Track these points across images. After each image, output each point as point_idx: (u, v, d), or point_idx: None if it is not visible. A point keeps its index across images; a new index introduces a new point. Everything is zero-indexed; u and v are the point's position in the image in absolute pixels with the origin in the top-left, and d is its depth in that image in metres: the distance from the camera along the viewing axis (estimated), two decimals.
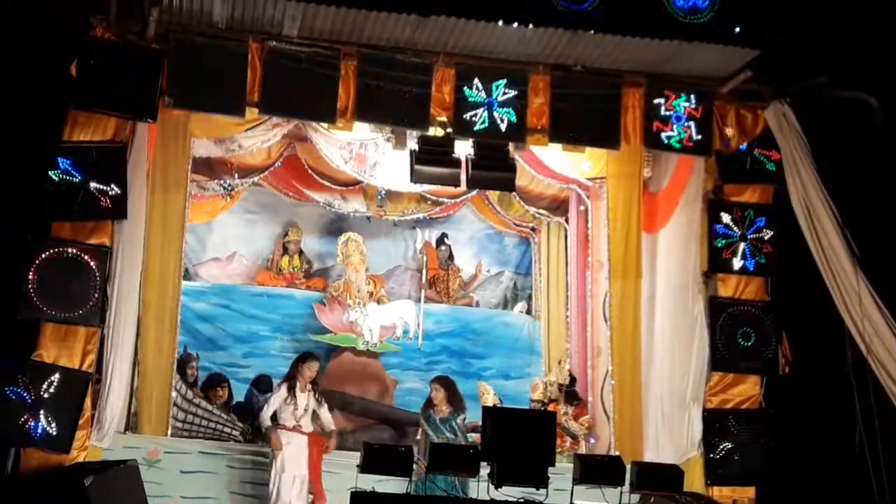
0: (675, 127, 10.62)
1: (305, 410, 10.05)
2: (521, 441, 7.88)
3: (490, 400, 11.68)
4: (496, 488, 7.89)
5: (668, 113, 10.62)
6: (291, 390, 10.05)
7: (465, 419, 10.24)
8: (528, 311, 13.80)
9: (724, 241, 10.81)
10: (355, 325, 12.58)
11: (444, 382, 10.52)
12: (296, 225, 13.37)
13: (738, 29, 10.08)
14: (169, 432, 10.42)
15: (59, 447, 9.28)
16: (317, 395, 10.18)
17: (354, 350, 12.59)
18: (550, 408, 11.73)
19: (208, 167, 12.13)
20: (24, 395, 9.26)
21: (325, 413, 10.24)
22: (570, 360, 12.79)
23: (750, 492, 10.41)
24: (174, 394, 10.57)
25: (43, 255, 9.50)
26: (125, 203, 9.69)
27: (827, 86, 10.51)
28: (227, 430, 10.78)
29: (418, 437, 10.19)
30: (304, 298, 12.99)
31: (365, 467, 7.90)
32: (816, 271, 10.27)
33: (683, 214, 11.21)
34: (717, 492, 10.39)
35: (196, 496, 10.00)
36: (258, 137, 11.35)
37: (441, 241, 13.82)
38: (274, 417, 10.03)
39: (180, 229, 10.71)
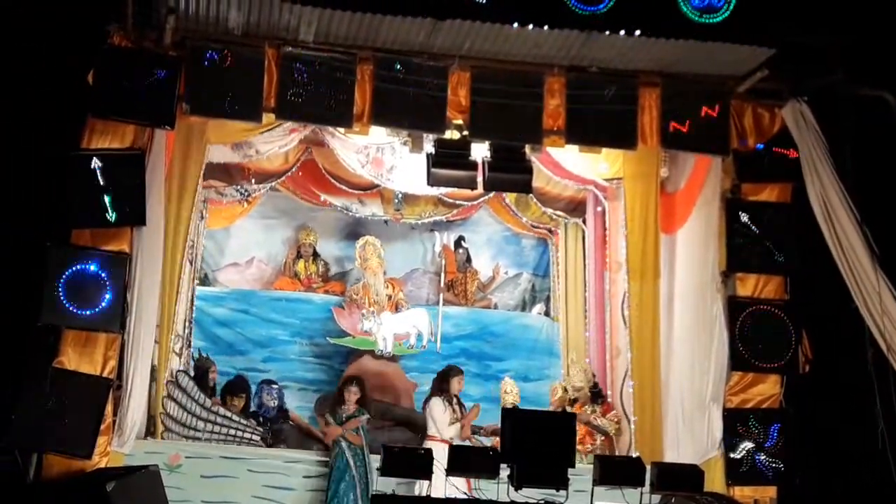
0: (691, 126, 10.59)
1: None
2: (541, 443, 7.89)
3: (510, 400, 11.70)
4: (516, 490, 7.88)
5: (684, 112, 10.57)
6: (449, 403, 10.46)
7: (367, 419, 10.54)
8: (547, 313, 13.79)
9: (742, 241, 10.74)
10: (370, 333, 12.59)
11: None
12: (307, 228, 13.39)
13: (753, 28, 10.04)
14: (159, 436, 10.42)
15: (80, 453, 9.31)
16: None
17: (373, 354, 12.60)
18: (576, 409, 11.72)
19: (226, 173, 12.19)
20: (46, 401, 9.29)
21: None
22: (589, 361, 12.77)
23: (771, 491, 10.36)
24: (189, 402, 10.61)
25: (63, 262, 9.55)
26: (144, 210, 9.74)
27: (844, 83, 10.45)
28: (246, 435, 10.79)
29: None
30: (323, 302, 13.01)
31: (385, 470, 7.91)
32: (836, 269, 10.22)
33: (701, 214, 11.18)
34: (738, 492, 10.33)
35: (217, 500, 10.02)
36: (275, 142, 11.41)
37: (458, 243, 13.83)
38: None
39: (185, 235, 10.77)
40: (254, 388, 11.53)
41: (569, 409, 11.78)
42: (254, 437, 10.78)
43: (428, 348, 12.84)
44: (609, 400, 12.09)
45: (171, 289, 10.60)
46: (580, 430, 11.46)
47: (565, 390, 12.16)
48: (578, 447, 11.22)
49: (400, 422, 12.28)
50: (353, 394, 10.43)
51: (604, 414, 11.74)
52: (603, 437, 11.75)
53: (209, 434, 10.70)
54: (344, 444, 10.14)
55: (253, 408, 11.35)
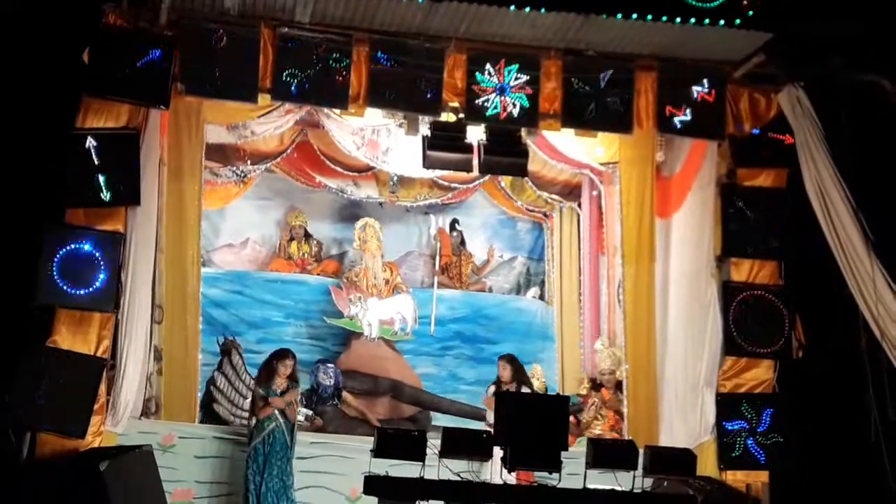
0: (687, 111, 10.57)
1: None
2: (535, 425, 7.90)
3: (537, 385, 11.72)
4: (509, 472, 7.91)
5: (680, 97, 10.56)
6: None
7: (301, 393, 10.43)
8: (542, 297, 13.80)
9: (737, 226, 10.74)
10: (355, 319, 12.60)
11: (511, 360, 10.69)
12: (296, 209, 13.38)
13: (750, 12, 10.03)
14: (196, 420, 10.51)
15: (73, 433, 9.31)
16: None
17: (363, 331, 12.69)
18: (603, 393, 11.75)
19: (221, 154, 12.16)
20: (40, 380, 9.28)
21: None
22: (582, 344, 12.79)
23: (763, 476, 10.38)
24: (240, 384, 10.60)
25: (57, 242, 9.53)
26: (138, 190, 9.71)
27: (841, 69, 10.44)
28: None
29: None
30: (318, 284, 13.01)
31: (378, 452, 7.92)
32: (830, 255, 10.23)
33: (697, 199, 11.18)
34: (730, 476, 10.38)
35: (210, 481, 10.03)
36: (271, 124, 11.38)
37: (453, 226, 13.84)
38: None
39: (196, 216, 10.79)
40: (251, 370, 11.52)
41: (595, 395, 11.80)
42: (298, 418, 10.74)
43: (412, 336, 12.87)
44: None
45: (190, 268, 10.61)
46: (609, 417, 11.55)
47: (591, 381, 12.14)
48: (612, 434, 11.40)
49: (409, 402, 12.40)
50: (287, 367, 10.07)
51: None
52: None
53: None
54: (281, 418, 9.89)
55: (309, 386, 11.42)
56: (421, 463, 7.94)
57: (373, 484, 7.75)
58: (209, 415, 11.19)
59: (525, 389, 10.51)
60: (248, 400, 10.70)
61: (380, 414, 12.32)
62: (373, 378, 12.53)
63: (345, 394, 11.84)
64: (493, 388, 10.64)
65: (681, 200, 11.45)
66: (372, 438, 8.39)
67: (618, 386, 11.82)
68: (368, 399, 12.36)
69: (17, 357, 9.46)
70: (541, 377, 12.04)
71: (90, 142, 9.64)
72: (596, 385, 12.02)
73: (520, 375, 10.64)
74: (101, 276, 9.55)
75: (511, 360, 10.76)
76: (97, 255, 9.58)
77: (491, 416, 10.35)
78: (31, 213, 9.92)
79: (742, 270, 10.81)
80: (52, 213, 9.72)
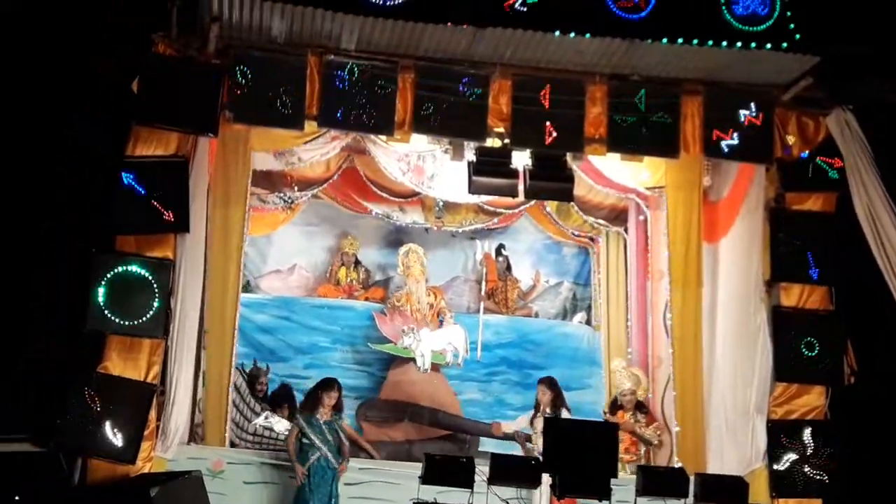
0: (734, 135, 10.51)
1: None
2: (584, 452, 7.84)
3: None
4: (558, 499, 7.85)
5: (727, 121, 10.51)
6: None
7: (345, 422, 10.31)
8: (588, 322, 13.73)
9: (786, 250, 10.64)
10: (410, 350, 12.61)
11: (551, 384, 10.63)
12: (349, 236, 13.44)
13: (798, 35, 9.98)
14: (227, 443, 10.53)
15: (124, 458, 9.40)
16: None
17: (416, 360, 12.67)
18: (619, 416, 11.66)
19: (268, 180, 12.25)
20: (91, 406, 9.38)
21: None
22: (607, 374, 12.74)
23: None
24: (244, 407, 10.67)
25: (108, 269, 9.64)
26: (187, 217, 9.81)
27: (889, 92, 10.36)
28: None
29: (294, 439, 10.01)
30: (365, 309, 13.05)
31: (427, 478, 7.90)
32: (881, 279, 10.11)
33: (745, 223, 11.10)
34: None
35: None
36: (317, 150, 11.46)
37: (499, 251, 13.81)
38: None
39: (239, 242, 10.83)
40: (298, 396, 11.57)
41: (610, 417, 11.71)
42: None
43: (463, 366, 12.84)
44: (651, 410, 11.99)
45: (230, 293, 10.66)
46: (625, 439, 11.43)
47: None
48: (623, 456, 11.21)
49: (449, 429, 12.27)
50: (332, 398, 10.03)
51: (647, 424, 11.64)
52: (646, 448, 11.65)
53: (256, 437, 10.81)
54: (324, 447, 9.84)
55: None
56: (469, 490, 7.89)
57: None
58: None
59: (564, 413, 10.42)
60: (253, 421, 10.94)
61: (397, 438, 12.29)
62: (397, 403, 12.54)
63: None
64: (530, 414, 10.62)
65: (728, 225, 11.37)
66: (419, 464, 8.38)
67: (637, 406, 11.74)
68: (386, 426, 12.39)
69: (69, 383, 9.56)
70: None
71: (140, 169, 9.74)
72: (612, 408, 11.90)
73: (559, 400, 10.56)
74: (152, 302, 9.64)
75: (551, 383, 10.69)
76: (147, 281, 9.66)
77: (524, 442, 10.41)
78: (83, 240, 10.04)
79: (792, 295, 10.69)
80: (104, 241, 9.82)
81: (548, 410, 10.40)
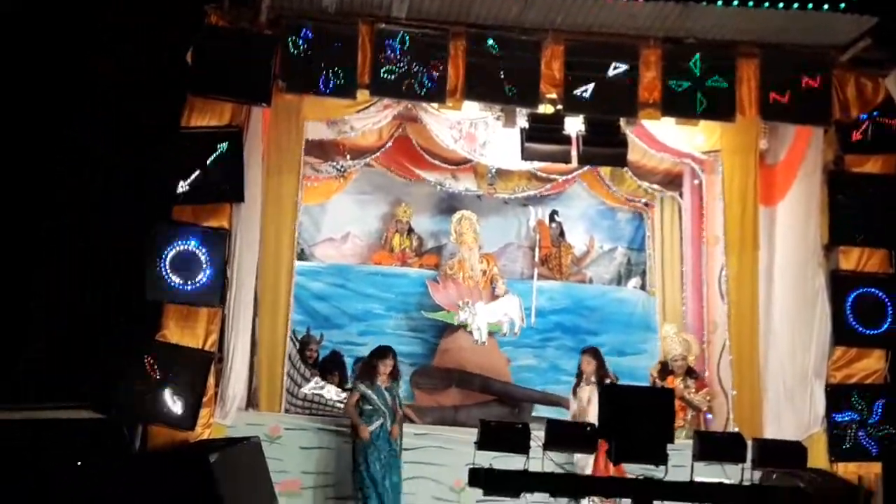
0: (791, 97, 10.36)
1: (588, 402, 10.28)
2: (640, 418, 7.81)
3: None
4: (614, 465, 7.85)
5: (784, 83, 10.37)
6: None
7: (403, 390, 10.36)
8: (643, 287, 13.66)
9: (845, 213, 10.50)
10: (465, 329, 12.62)
11: (596, 353, 10.59)
12: (403, 203, 13.47)
13: None
14: (282, 409, 10.65)
15: (184, 425, 9.56)
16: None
17: (472, 333, 12.69)
18: (668, 381, 11.61)
19: (321, 149, 12.28)
20: (150, 374, 9.54)
21: None
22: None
23: (876, 468, 10.09)
24: (294, 373, 10.78)
25: (165, 239, 9.75)
26: (242, 186, 9.88)
27: None
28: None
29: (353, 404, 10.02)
30: (418, 277, 13.09)
31: (482, 444, 7.91)
32: None
33: (802, 186, 10.97)
34: (841, 468, 10.17)
35: (316, 471, 10.16)
36: (369, 119, 11.47)
37: (552, 217, 13.78)
38: None
39: (293, 211, 10.91)
40: (349, 363, 11.66)
41: (659, 382, 11.66)
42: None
43: (519, 335, 12.83)
44: (704, 376, 11.91)
45: (285, 262, 10.75)
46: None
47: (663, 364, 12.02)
48: (677, 423, 11.18)
49: (499, 395, 12.32)
50: (387, 366, 10.06)
51: (697, 390, 11.58)
52: (694, 414, 11.59)
53: (310, 404, 10.94)
54: (386, 411, 9.90)
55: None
56: (525, 455, 7.91)
57: (477, 476, 7.74)
58: None
59: (608, 382, 10.38)
60: (303, 388, 11.04)
61: (445, 403, 12.35)
62: (447, 370, 12.58)
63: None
64: (575, 382, 10.59)
65: (786, 188, 11.24)
66: (471, 430, 8.40)
67: (687, 372, 11.66)
68: (435, 393, 12.44)
69: (128, 351, 9.71)
70: None
71: (195, 140, 9.81)
72: (661, 373, 11.83)
73: (602, 370, 10.50)
74: (208, 271, 9.76)
75: (595, 353, 10.64)
76: (204, 251, 9.78)
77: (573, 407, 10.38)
78: (140, 211, 10.17)
79: (851, 259, 10.57)
80: (160, 211, 9.93)
81: (592, 380, 10.39)
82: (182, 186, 9.74)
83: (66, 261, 10.84)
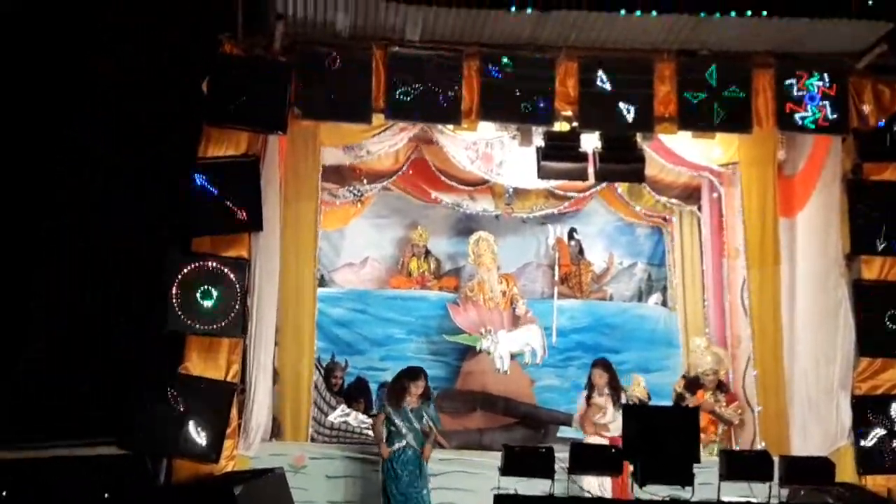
0: (808, 107, 10.34)
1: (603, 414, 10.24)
2: (665, 438, 7.75)
3: (638, 391, 11.59)
4: (640, 487, 7.77)
5: (800, 93, 10.34)
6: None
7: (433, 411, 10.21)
8: (664, 303, 13.59)
9: (866, 222, 10.41)
10: (485, 360, 12.57)
11: (607, 366, 10.51)
12: (419, 227, 13.45)
13: (870, 1, 9.73)
14: (309, 438, 10.62)
15: (208, 458, 9.53)
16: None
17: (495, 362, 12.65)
18: (698, 396, 11.52)
19: (338, 175, 12.32)
20: (174, 407, 9.52)
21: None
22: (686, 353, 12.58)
23: None
24: (320, 401, 10.78)
25: (186, 270, 9.75)
26: (260, 215, 9.88)
27: None
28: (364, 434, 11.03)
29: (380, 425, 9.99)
30: (438, 300, 13.07)
31: (506, 470, 7.87)
32: None
33: (822, 196, 10.89)
34: (870, 481, 10.05)
35: (343, 501, 10.13)
36: (385, 142, 11.50)
37: (571, 235, 13.72)
38: None
39: (313, 238, 10.97)
40: (374, 388, 11.64)
41: (689, 396, 11.57)
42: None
43: (541, 365, 12.77)
44: (732, 390, 11.83)
45: (306, 289, 10.77)
46: (703, 418, 11.28)
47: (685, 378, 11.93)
48: (703, 437, 11.09)
49: (524, 418, 12.24)
50: (419, 387, 9.98)
51: (728, 404, 11.49)
52: (725, 428, 11.51)
53: (334, 431, 10.90)
54: (410, 434, 9.85)
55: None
56: (550, 479, 7.86)
57: (503, 502, 7.70)
58: None
59: (623, 397, 10.33)
60: (329, 417, 11.05)
61: (469, 427, 12.28)
62: (471, 393, 12.54)
63: None
64: (583, 395, 10.50)
65: (805, 199, 11.17)
66: (496, 453, 8.35)
67: (718, 386, 11.57)
68: (460, 416, 12.38)
69: (150, 384, 9.71)
70: (641, 384, 11.82)
71: (213, 170, 9.83)
72: (689, 386, 11.73)
73: (615, 381, 10.43)
74: (229, 302, 9.74)
75: (606, 366, 10.54)
76: (224, 281, 9.76)
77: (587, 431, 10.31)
78: (160, 243, 10.18)
79: (873, 268, 10.47)
80: (180, 242, 9.93)
81: (606, 391, 10.31)
82: (200, 217, 9.75)
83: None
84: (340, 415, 11.28)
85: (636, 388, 11.76)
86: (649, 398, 11.76)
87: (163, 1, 11.05)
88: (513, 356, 12.68)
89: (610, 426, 10.14)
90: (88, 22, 10.91)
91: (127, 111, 10.15)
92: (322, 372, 11.64)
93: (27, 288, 10.98)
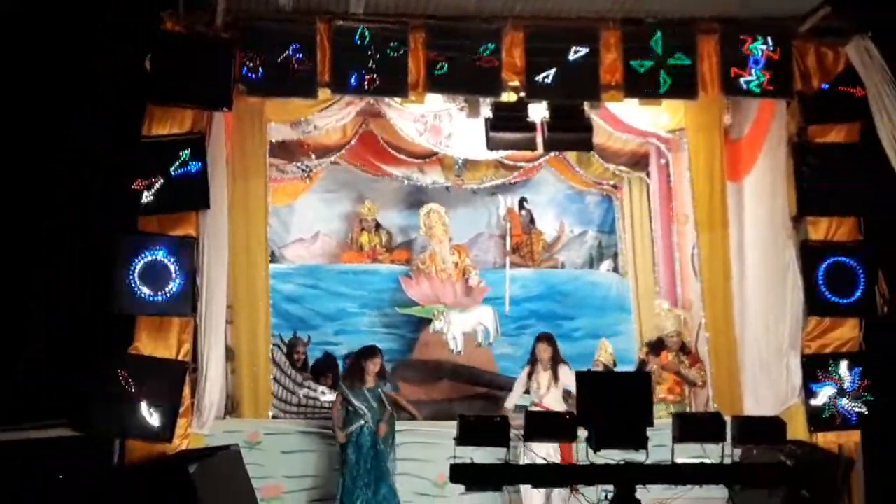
0: (753, 71, 10.38)
1: (548, 389, 10.29)
2: (618, 403, 7.80)
3: (604, 357, 11.68)
4: (595, 452, 7.83)
5: (745, 58, 10.37)
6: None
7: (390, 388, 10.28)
8: (615, 269, 13.68)
9: (811, 184, 10.50)
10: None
11: (549, 339, 10.56)
12: (366, 201, 13.41)
13: None
14: (269, 415, 10.59)
15: (161, 437, 9.47)
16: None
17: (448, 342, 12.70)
18: (662, 357, 11.62)
19: (286, 150, 12.23)
20: (125, 388, 9.43)
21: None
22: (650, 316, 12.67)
23: (855, 436, 10.15)
24: (285, 379, 10.72)
25: (132, 250, 9.66)
26: (207, 193, 9.80)
27: None
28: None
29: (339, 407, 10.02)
30: (390, 273, 13.07)
31: (461, 439, 7.89)
32: None
33: (768, 160, 10.97)
34: (821, 438, 10.19)
35: (299, 475, 10.11)
36: (332, 117, 11.41)
37: (521, 205, 13.77)
38: None
39: (263, 215, 10.89)
40: (340, 362, 11.66)
41: (653, 358, 11.67)
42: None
43: (494, 345, 12.80)
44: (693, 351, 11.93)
45: (259, 266, 10.72)
46: (669, 379, 11.43)
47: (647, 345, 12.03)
48: (667, 396, 11.32)
49: (486, 386, 12.34)
50: (375, 364, 10.01)
51: (691, 365, 11.58)
52: (691, 388, 11.61)
53: (301, 408, 10.91)
54: (368, 413, 9.84)
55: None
56: (506, 448, 7.89)
57: (459, 472, 7.72)
58: None
59: (564, 368, 10.38)
60: (296, 395, 11.07)
61: (438, 395, 12.32)
62: (434, 363, 12.57)
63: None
64: (527, 370, 10.56)
65: (751, 162, 11.25)
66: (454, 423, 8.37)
67: (681, 348, 11.68)
68: (425, 385, 12.41)
69: (100, 365, 9.62)
70: (608, 350, 11.93)
71: (157, 149, 9.71)
72: (653, 348, 11.83)
73: (557, 355, 10.50)
74: (177, 280, 9.68)
75: (551, 339, 10.60)
76: (172, 260, 9.69)
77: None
78: (106, 223, 10.07)
79: (820, 229, 10.58)
80: (126, 222, 9.83)
81: (549, 366, 10.38)
82: (146, 196, 9.65)
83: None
84: (309, 392, 11.26)
85: (603, 353, 11.87)
86: (615, 364, 11.88)
87: None
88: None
89: (545, 401, 10.27)
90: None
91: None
92: (284, 349, 11.58)
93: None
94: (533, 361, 10.55)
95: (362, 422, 9.83)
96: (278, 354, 11.38)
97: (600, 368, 11.61)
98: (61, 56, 10.79)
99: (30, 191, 10.90)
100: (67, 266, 10.60)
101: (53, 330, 10.60)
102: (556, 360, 10.44)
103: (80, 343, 10.05)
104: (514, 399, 10.68)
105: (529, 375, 10.53)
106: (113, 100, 10.40)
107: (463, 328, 12.68)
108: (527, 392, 10.62)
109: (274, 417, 10.75)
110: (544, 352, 10.47)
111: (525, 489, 9.61)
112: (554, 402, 10.32)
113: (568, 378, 10.19)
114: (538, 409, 10.21)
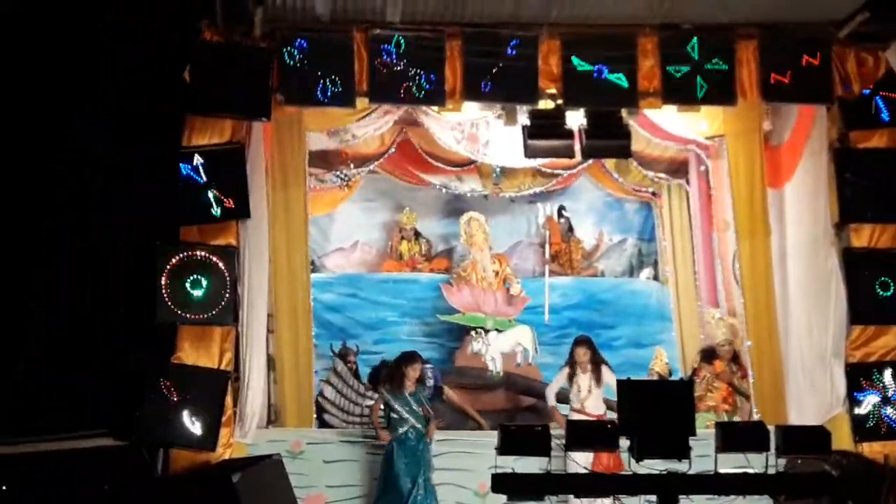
0: (792, 77, 10.28)
1: (589, 392, 10.25)
2: (660, 412, 7.75)
3: (659, 366, 11.58)
4: (637, 462, 7.77)
5: (784, 63, 10.29)
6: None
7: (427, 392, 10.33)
8: (656, 277, 13.63)
9: (854, 190, 10.38)
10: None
11: (589, 343, 10.53)
12: (406, 209, 13.45)
13: None
14: (313, 424, 10.65)
15: (205, 446, 9.52)
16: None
17: (486, 330, 12.68)
18: (715, 366, 11.53)
19: (324, 159, 12.29)
20: (168, 397, 9.51)
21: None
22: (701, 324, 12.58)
23: None
24: (348, 390, 10.84)
25: (174, 260, 9.72)
26: (247, 202, 9.85)
27: None
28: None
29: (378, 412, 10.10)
30: (430, 281, 13.10)
31: (503, 449, 7.86)
32: None
33: (809, 166, 10.87)
34: (866, 448, 10.08)
35: (341, 484, 10.13)
36: (370, 126, 11.47)
37: (560, 213, 13.76)
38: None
39: (303, 223, 10.94)
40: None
41: (706, 366, 11.58)
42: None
43: (534, 364, 12.76)
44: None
45: (299, 275, 10.77)
46: (723, 388, 11.34)
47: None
48: (721, 405, 11.31)
49: (534, 395, 12.28)
50: (416, 370, 10.07)
51: (743, 377, 11.47)
52: (743, 400, 11.49)
53: (364, 418, 10.99)
54: (412, 418, 9.89)
55: None
56: (547, 457, 7.85)
57: (500, 482, 7.69)
58: (322, 425, 11.16)
59: (606, 371, 10.35)
60: (359, 406, 11.08)
61: (489, 406, 12.27)
62: (485, 371, 12.56)
63: (446, 390, 11.79)
64: (567, 371, 10.51)
65: (792, 169, 11.16)
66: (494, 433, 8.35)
67: (733, 358, 11.58)
68: (479, 393, 12.37)
69: (144, 375, 9.69)
70: (663, 359, 11.86)
71: (197, 159, 9.79)
72: (706, 357, 11.74)
73: (597, 357, 10.46)
74: (219, 290, 9.71)
75: (589, 343, 10.57)
76: (213, 270, 9.73)
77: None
78: (147, 233, 10.15)
79: (863, 236, 10.46)
80: (167, 232, 9.90)
81: (589, 368, 10.34)
82: (188, 206, 9.71)
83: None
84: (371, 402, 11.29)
85: (658, 362, 11.82)
86: (670, 374, 11.80)
87: None
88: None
89: (586, 404, 10.21)
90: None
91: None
92: (337, 359, 11.60)
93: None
94: (572, 364, 10.51)
95: (407, 426, 9.86)
96: (340, 366, 11.44)
97: (654, 377, 11.55)
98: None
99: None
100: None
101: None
102: (596, 362, 10.40)
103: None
104: (553, 389, 10.68)
105: (570, 378, 10.48)
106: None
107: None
108: (562, 401, 10.57)
109: (321, 425, 10.81)
110: (584, 355, 10.43)
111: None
112: (595, 405, 10.26)
113: (610, 378, 10.15)
114: (579, 415, 10.16)
